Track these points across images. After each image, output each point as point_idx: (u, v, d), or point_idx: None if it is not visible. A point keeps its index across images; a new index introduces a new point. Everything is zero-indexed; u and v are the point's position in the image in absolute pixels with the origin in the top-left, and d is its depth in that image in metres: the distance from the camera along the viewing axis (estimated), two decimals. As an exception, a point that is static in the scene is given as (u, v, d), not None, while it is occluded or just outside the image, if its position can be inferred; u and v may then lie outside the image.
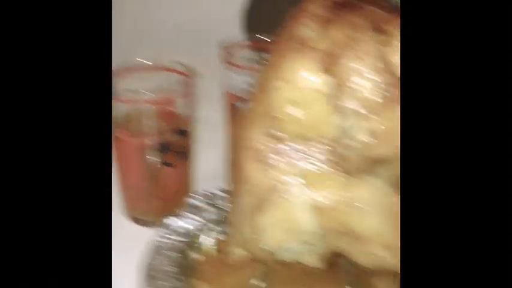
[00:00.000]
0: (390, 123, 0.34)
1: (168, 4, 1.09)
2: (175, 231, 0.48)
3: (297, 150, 0.38)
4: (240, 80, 0.57)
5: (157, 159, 0.51)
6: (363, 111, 0.35)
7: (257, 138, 0.39)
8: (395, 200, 0.37)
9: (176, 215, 0.49)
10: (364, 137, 0.35)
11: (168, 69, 0.53)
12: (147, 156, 0.50)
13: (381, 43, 0.35)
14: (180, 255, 0.46)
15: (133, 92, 0.49)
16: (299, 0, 0.77)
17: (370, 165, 0.36)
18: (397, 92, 0.34)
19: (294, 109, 0.37)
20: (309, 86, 0.36)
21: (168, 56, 0.56)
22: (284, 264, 0.41)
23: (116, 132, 0.51)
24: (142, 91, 0.48)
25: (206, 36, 1.02)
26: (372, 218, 0.37)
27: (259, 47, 0.63)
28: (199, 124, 0.67)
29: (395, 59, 0.35)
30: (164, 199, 0.53)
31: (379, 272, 0.40)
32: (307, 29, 0.37)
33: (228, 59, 0.58)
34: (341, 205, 0.37)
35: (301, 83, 0.37)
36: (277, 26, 0.80)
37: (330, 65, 0.36)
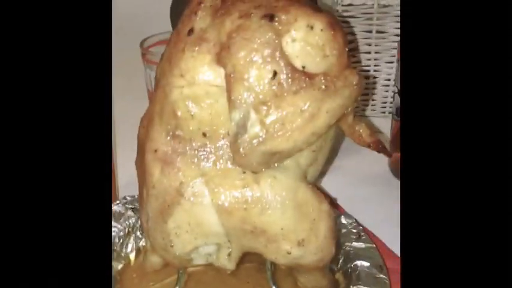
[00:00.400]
0: (285, 114, 0.33)
1: None
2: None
3: (199, 149, 0.36)
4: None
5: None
6: (256, 102, 0.33)
7: (159, 138, 0.37)
8: (300, 194, 0.36)
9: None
10: (257, 130, 0.34)
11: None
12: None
13: (274, 31, 0.33)
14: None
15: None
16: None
17: (268, 158, 0.35)
18: (292, 82, 0.33)
19: (192, 106, 0.36)
20: (205, 80, 0.35)
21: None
22: (200, 268, 0.40)
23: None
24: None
25: (128, 32, 1.00)
26: (277, 214, 0.36)
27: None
28: (121, 126, 0.65)
29: (292, 47, 0.33)
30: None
31: (298, 268, 0.39)
32: (201, 20, 0.35)
33: (147, 57, 0.56)
34: (244, 203, 0.35)
35: (198, 77, 0.35)
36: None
37: (222, 56, 0.34)
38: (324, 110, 0.34)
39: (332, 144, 0.39)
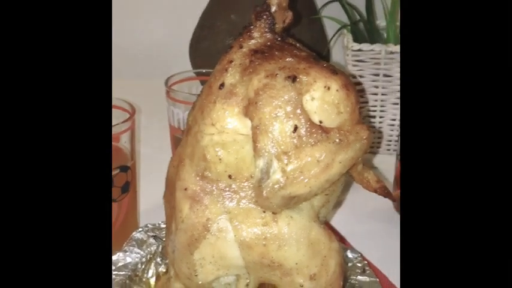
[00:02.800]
0: (303, 163, 0.38)
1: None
2: (118, 266, 0.49)
3: (224, 190, 0.40)
4: (180, 114, 0.59)
5: (101, 195, 0.51)
6: (279, 152, 0.38)
7: (189, 178, 0.42)
8: (313, 233, 0.41)
9: (121, 250, 0.50)
10: (279, 177, 0.38)
11: (112, 106, 0.54)
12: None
13: (296, 91, 0.37)
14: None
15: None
16: (233, 34, 0.81)
17: (287, 201, 0.39)
18: (310, 135, 0.37)
19: (221, 151, 0.40)
20: (233, 129, 0.39)
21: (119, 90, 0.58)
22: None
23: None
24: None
25: (151, 69, 1.05)
26: (292, 250, 0.40)
27: (201, 80, 0.65)
28: (144, 157, 0.69)
29: (311, 105, 0.38)
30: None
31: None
32: (231, 77, 0.40)
33: (171, 94, 0.60)
34: (264, 240, 0.40)
35: (227, 126, 0.39)
36: (217, 59, 0.83)
37: (250, 110, 0.38)
38: (338, 161, 0.38)
39: (341, 187, 0.44)
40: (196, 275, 0.41)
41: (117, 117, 0.52)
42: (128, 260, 0.49)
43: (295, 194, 0.38)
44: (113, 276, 0.47)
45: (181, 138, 0.60)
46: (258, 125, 0.38)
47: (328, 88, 0.38)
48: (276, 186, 0.38)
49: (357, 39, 0.71)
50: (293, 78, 0.38)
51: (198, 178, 0.41)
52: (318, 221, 0.41)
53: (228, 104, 0.39)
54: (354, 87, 0.40)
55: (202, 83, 0.65)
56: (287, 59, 0.39)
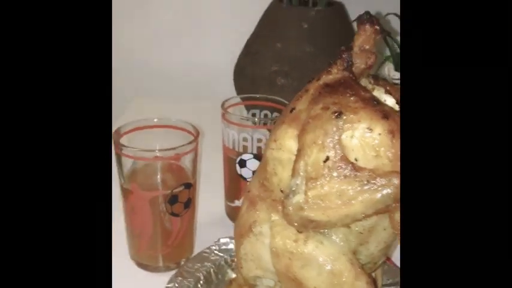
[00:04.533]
0: (324, 193, 0.40)
1: (168, 52, 1.16)
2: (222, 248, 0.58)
3: (275, 201, 0.45)
4: (235, 135, 0.64)
5: (167, 210, 0.56)
6: (308, 177, 0.41)
7: (254, 183, 0.48)
8: (338, 264, 0.42)
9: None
10: (300, 198, 0.41)
11: (175, 127, 0.59)
12: (157, 208, 0.55)
13: (338, 126, 0.40)
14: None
15: (144, 149, 0.54)
16: (278, 61, 0.85)
17: (305, 223, 0.42)
18: (339, 169, 0.39)
19: (277, 165, 0.45)
20: (289, 149, 0.44)
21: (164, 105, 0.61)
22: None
23: (127, 186, 0.56)
24: (154, 149, 0.54)
25: (201, 90, 1.10)
26: (313, 273, 0.43)
27: (248, 105, 0.69)
28: (202, 176, 0.73)
29: (349, 142, 0.40)
30: (171, 246, 0.58)
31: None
32: (302, 103, 0.44)
33: (226, 117, 0.64)
34: (290, 254, 0.43)
35: (285, 145, 0.44)
36: (261, 85, 0.87)
37: (299, 134, 0.43)
38: (360, 200, 0.39)
39: (391, 237, 0.45)
40: (241, 267, 0.48)
41: (181, 137, 0.57)
42: (231, 246, 0.56)
43: (312, 218, 0.41)
44: (213, 254, 0.56)
45: (234, 159, 0.64)
46: (301, 148, 0.42)
47: (371, 130, 0.39)
48: (296, 206, 0.41)
49: (398, 68, 0.75)
50: (339, 114, 0.40)
51: (259, 185, 0.46)
52: (349, 256, 0.43)
53: (291, 126, 0.44)
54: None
55: (249, 108, 0.69)
56: (347, 96, 0.41)
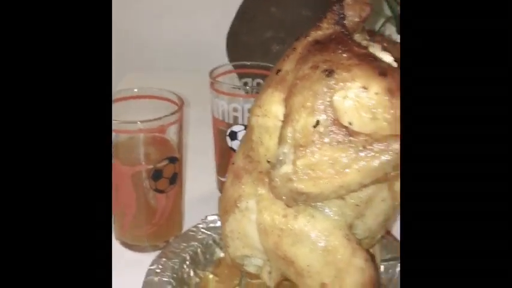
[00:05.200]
0: (315, 161, 0.35)
1: (158, 26, 1.11)
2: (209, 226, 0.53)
3: (261, 173, 0.41)
4: (225, 106, 0.59)
5: (150, 186, 0.52)
6: (296, 144, 0.36)
7: (238, 154, 0.44)
8: (332, 240, 0.38)
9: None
10: (288, 168, 0.36)
11: (159, 98, 0.55)
12: (141, 184, 0.51)
13: (328, 86, 0.35)
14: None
15: (125, 121, 0.50)
16: (273, 27, 0.80)
17: (295, 196, 0.37)
18: (331, 134, 0.35)
19: (263, 134, 0.40)
20: (275, 115, 0.39)
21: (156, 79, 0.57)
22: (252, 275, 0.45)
23: (109, 161, 0.52)
24: (135, 120, 0.50)
25: (194, 61, 1.05)
26: (305, 250, 0.39)
27: (241, 73, 0.65)
28: (189, 149, 0.69)
29: (342, 104, 0.35)
30: (157, 225, 0.54)
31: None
32: (288, 64, 0.40)
33: (215, 86, 0.60)
34: (280, 231, 0.39)
35: (271, 111, 0.39)
36: (256, 52, 0.82)
37: (286, 97, 0.38)
38: (356, 168, 0.35)
39: (390, 209, 0.41)
40: (228, 246, 0.44)
41: (165, 108, 0.53)
42: (220, 224, 0.49)
43: (302, 191, 0.36)
44: (200, 233, 0.52)
45: (224, 131, 0.60)
46: (288, 112, 0.37)
47: (366, 89, 0.35)
48: (284, 177, 0.36)
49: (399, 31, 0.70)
50: (329, 72, 0.35)
51: (243, 156, 0.42)
52: (344, 231, 0.39)
53: (277, 89, 0.39)
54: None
55: (241, 76, 0.65)
56: (339, 52, 0.37)
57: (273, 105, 0.39)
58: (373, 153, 0.34)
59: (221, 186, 0.66)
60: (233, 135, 0.60)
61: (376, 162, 0.34)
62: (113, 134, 0.52)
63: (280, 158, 0.37)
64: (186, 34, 1.09)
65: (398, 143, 0.34)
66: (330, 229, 0.38)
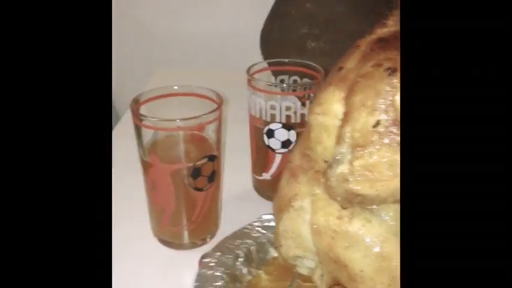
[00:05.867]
0: (373, 162, 0.34)
1: (193, 21, 1.11)
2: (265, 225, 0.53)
3: (318, 173, 0.40)
4: (262, 103, 0.59)
5: (190, 184, 0.52)
6: (355, 143, 0.35)
7: (296, 153, 0.43)
8: (387, 247, 0.37)
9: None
10: (345, 168, 0.35)
11: (198, 96, 0.54)
12: (180, 181, 0.51)
13: (392, 85, 0.35)
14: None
15: (164, 119, 0.50)
16: (308, 23, 0.79)
17: (350, 197, 0.36)
18: (391, 135, 0.34)
19: (322, 132, 0.39)
20: (335, 114, 0.38)
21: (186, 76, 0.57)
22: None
23: (147, 158, 0.52)
24: (174, 118, 0.50)
25: (223, 56, 1.05)
26: (359, 255, 0.37)
27: (276, 70, 0.64)
28: (226, 148, 0.69)
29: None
30: (195, 222, 0.54)
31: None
32: (350, 62, 0.39)
33: (252, 83, 0.59)
34: (333, 233, 0.38)
35: (331, 110, 0.38)
36: (290, 49, 0.81)
37: (347, 96, 0.37)
38: None
39: None
40: (280, 246, 0.43)
41: (201, 106, 0.52)
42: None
43: (358, 192, 0.35)
44: (254, 231, 0.52)
45: (261, 129, 0.60)
46: (348, 111, 0.36)
47: None
48: (340, 177, 0.36)
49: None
50: (392, 71, 0.35)
51: (301, 155, 0.41)
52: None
53: (338, 87, 0.38)
54: None
55: (276, 73, 0.64)
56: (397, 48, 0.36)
57: (333, 104, 0.38)
58: None
59: (256, 184, 0.65)
60: (270, 133, 0.59)
61: None
62: (152, 131, 0.52)
63: (338, 158, 0.36)
64: (217, 30, 1.09)
65: None
66: (385, 235, 0.37)
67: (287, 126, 0.58)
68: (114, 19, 1.17)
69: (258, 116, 0.60)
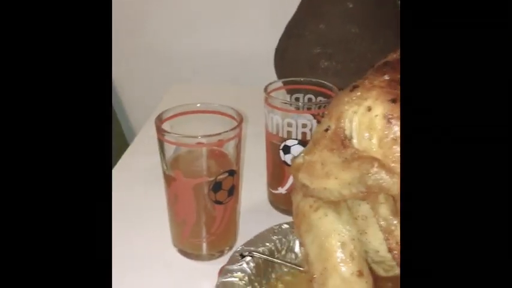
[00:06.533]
0: (314, 160, 0.41)
1: (204, 39, 1.14)
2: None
3: None
4: (279, 120, 0.61)
5: (210, 198, 0.54)
6: (313, 140, 0.42)
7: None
8: (328, 242, 0.41)
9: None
10: (300, 158, 0.42)
11: (218, 113, 0.57)
12: (201, 195, 0.54)
13: (349, 99, 0.40)
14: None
15: (187, 135, 0.53)
16: (321, 43, 0.81)
17: (299, 184, 0.43)
18: (331, 142, 0.40)
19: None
20: None
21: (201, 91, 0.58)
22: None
23: (170, 172, 0.54)
24: (196, 135, 0.52)
25: (236, 73, 1.08)
26: (308, 240, 0.43)
27: (290, 89, 0.67)
28: (244, 162, 0.72)
29: (351, 118, 0.39)
30: (214, 234, 0.56)
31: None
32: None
33: (269, 101, 0.62)
34: (303, 216, 0.45)
35: None
36: (303, 68, 0.83)
37: None
38: (334, 176, 0.39)
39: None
40: (307, 257, 0.45)
41: (224, 123, 0.55)
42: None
43: (303, 182, 0.41)
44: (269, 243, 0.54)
45: (278, 145, 0.62)
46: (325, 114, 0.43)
47: (369, 110, 0.38)
48: (296, 165, 0.42)
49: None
50: (353, 87, 0.40)
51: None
52: (344, 239, 0.41)
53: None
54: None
55: (290, 92, 0.67)
56: (381, 75, 0.40)
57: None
58: (349, 167, 0.38)
59: (272, 198, 0.68)
60: (286, 149, 0.62)
61: (348, 176, 0.38)
62: (174, 146, 0.55)
63: (303, 151, 0.43)
64: (233, 48, 1.12)
65: (375, 167, 0.36)
66: (330, 232, 0.42)
67: (303, 142, 0.61)
68: (129, 36, 1.21)
69: (274, 132, 0.62)
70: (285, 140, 0.62)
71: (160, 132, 0.54)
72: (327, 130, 0.40)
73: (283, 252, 0.56)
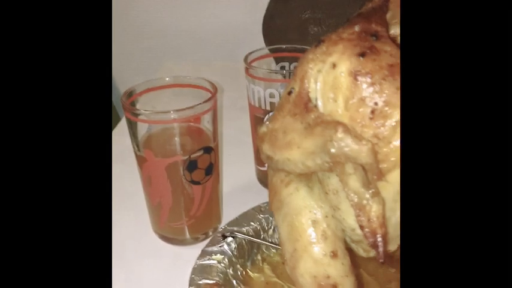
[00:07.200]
0: (276, 128, 0.35)
1: (187, 14, 1.10)
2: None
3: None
4: (261, 92, 0.57)
5: (186, 178, 0.50)
6: (277, 106, 0.36)
7: None
8: (298, 220, 0.37)
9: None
10: (264, 128, 0.36)
11: (191, 86, 0.53)
12: (176, 175, 0.50)
13: (314, 56, 0.34)
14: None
15: (158, 111, 0.48)
16: (310, 7, 0.77)
17: (263, 154, 0.37)
18: (294, 106, 0.34)
19: None
20: None
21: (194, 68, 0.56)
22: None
23: (141, 153, 0.50)
24: (168, 110, 0.48)
25: (228, 47, 1.03)
26: (279, 218, 0.39)
27: (277, 57, 0.62)
28: (226, 139, 0.67)
29: (315, 77, 0.34)
30: (194, 217, 0.53)
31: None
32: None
33: (250, 72, 0.57)
34: (274, 193, 0.40)
35: None
36: (292, 35, 0.79)
37: None
38: (297, 145, 0.33)
39: None
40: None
41: (199, 97, 0.51)
42: None
43: (266, 152, 0.36)
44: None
45: (261, 118, 0.58)
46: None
47: (334, 67, 0.32)
48: (260, 135, 0.37)
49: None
50: (318, 43, 0.33)
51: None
52: (316, 217, 0.37)
53: None
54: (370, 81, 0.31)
55: (278, 60, 0.62)
56: (351, 27, 0.33)
57: None
58: (311, 133, 0.32)
59: (260, 175, 0.64)
60: (271, 122, 0.57)
61: (311, 144, 0.32)
62: (146, 125, 0.51)
63: (267, 119, 0.38)
64: (222, 21, 1.07)
65: (339, 132, 0.30)
66: (301, 209, 0.37)
67: (287, 114, 0.56)
68: (116, 19, 1.17)
69: (257, 105, 0.58)
70: (268, 112, 0.57)
71: (129, 110, 0.49)
72: (290, 93, 0.34)
73: (270, 232, 0.53)
